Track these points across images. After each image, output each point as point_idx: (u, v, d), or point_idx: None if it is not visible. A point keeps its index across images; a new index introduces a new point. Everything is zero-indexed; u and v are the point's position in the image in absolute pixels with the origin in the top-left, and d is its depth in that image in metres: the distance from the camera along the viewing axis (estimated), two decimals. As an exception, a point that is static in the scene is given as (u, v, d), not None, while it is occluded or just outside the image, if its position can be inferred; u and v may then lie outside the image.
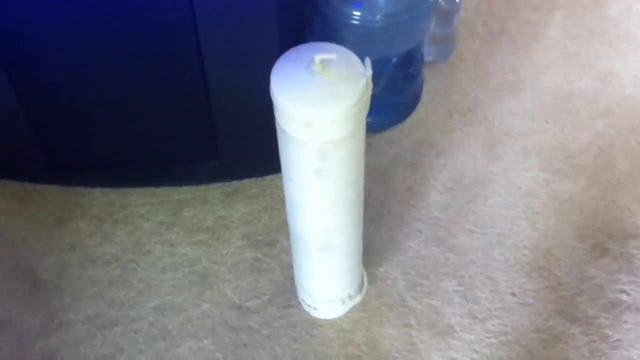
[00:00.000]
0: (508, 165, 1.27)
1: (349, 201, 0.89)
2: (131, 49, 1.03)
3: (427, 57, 1.39)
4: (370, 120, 1.30)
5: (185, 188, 1.25)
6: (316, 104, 0.75)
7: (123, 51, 1.03)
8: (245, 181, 1.25)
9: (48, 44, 1.02)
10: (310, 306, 1.08)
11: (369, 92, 0.78)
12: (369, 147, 1.25)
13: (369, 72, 0.77)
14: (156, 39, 1.02)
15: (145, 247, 1.19)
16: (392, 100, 1.31)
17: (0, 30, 1.00)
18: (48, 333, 1.09)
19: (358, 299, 1.09)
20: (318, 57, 0.76)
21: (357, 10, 1.14)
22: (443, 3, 1.31)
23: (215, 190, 1.25)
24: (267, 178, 1.24)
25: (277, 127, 0.81)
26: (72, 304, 1.13)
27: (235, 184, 1.25)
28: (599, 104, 1.36)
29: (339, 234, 0.93)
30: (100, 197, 1.25)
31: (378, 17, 1.14)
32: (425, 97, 1.37)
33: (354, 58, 0.79)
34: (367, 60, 0.78)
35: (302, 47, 0.80)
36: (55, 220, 1.22)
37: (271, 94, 0.78)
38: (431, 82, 1.40)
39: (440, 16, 1.33)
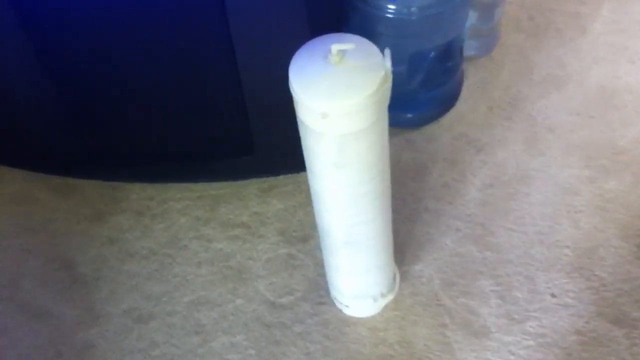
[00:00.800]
0: (550, 162, 1.23)
1: (372, 195, 0.87)
2: (167, 45, 1.04)
3: (469, 51, 1.37)
4: (409, 115, 1.31)
5: (222, 183, 1.25)
6: (332, 94, 0.74)
7: (159, 48, 1.04)
8: (281, 177, 1.24)
9: (86, 41, 1.03)
10: (342, 304, 1.07)
11: (388, 84, 0.76)
12: (406, 143, 1.25)
13: (388, 64, 0.75)
14: (190, 36, 1.02)
15: (181, 242, 1.19)
16: (431, 95, 1.29)
17: (44, 32, 1.02)
18: (86, 325, 1.11)
19: (390, 297, 1.08)
20: (335, 48, 0.74)
21: (392, 4, 1.13)
22: (484, -4, 1.28)
23: (251, 186, 1.25)
24: (303, 174, 1.22)
25: (298, 119, 0.80)
26: (110, 297, 1.14)
27: (271, 179, 1.25)
28: (647, 99, 1.32)
29: (364, 229, 0.91)
30: (139, 192, 1.27)
31: (413, 9, 1.13)
32: (465, 91, 1.35)
33: (374, 49, 0.77)
34: (387, 52, 0.76)
35: (321, 39, 0.79)
36: (95, 214, 1.24)
37: (289, 86, 0.77)
38: (472, 76, 1.37)
39: (481, 9, 1.30)
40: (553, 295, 1.08)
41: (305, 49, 0.79)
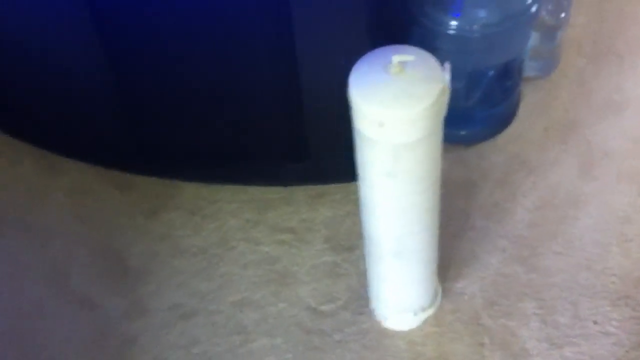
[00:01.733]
0: (604, 188, 1.22)
1: (422, 207, 0.88)
2: (225, 48, 1.06)
3: (528, 72, 1.36)
4: (463, 132, 1.31)
5: (272, 188, 1.27)
6: (389, 103, 0.75)
7: (218, 50, 1.06)
8: (332, 185, 1.26)
9: (150, 39, 1.07)
10: (382, 315, 1.08)
11: (446, 97, 0.77)
12: (459, 160, 1.25)
13: (448, 77, 0.76)
14: (252, 39, 1.04)
15: (230, 242, 1.22)
16: (487, 113, 1.29)
17: (109, 27, 1.05)
18: (131, 318, 1.14)
19: (430, 311, 1.08)
20: (396, 58, 0.76)
21: (454, 20, 1.13)
22: (547, 17, 1.27)
23: (301, 193, 1.26)
24: (353, 184, 1.23)
25: (353, 127, 0.81)
26: (157, 291, 1.17)
27: (321, 187, 1.26)
28: None
29: (411, 240, 0.92)
30: (193, 191, 1.29)
31: (475, 27, 1.13)
32: (522, 112, 1.34)
33: (433, 62, 0.78)
34: (447, 65, 0.77)
35: (382, 50, 0.80)
36: (149, 209, 1.27)
37: (348, 93, 0.78)
38: (530, 97, 1.36)
39: (543, 31, 1.30)
40: (595, 323, 1.06)
41: (366, 59, 0.81)
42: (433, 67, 0.79)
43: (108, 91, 1.15)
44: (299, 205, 1.25)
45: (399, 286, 1.02)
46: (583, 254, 1.14)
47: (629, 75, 1.39)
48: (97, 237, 1.24)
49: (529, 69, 1.36)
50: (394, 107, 0.76)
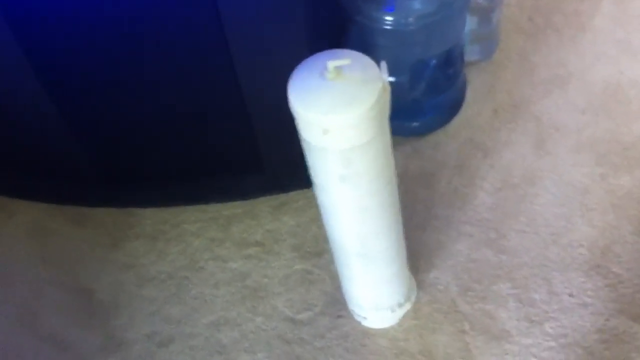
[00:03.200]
0: (559, 162, 1.24)
1: (381, 206, 0.88)
2: (168, 68, 1.04)
3: (470, 57, 1.37)
4: (414, 124, 1.31)
5: (234, 203, 1.26)
6: (331, 110, 0.75)
7: (161, 73, 1.05)
8: (292, 193, 1.25)
9: (94, 70, 1.04)
10: (360, 316, 1.07)
11: (387, 96, 0.77)
12: (414, 152, 1.25)
13: (385, 76, 0.76)
14: (191, 58, 1.03)
15: (197, 263, 1.20)
16: (435, 103, 1.30)
17: (51, 62, 1.03)
18: (108, 352, 1.12)
19: (408, 306, 1.08)
20: (331, 64, 0.75)
21: (389, 15, 1.13)
22: (480, 1, 1.29)
23: (263, 204, 1.25)
24: (313, 189, 1.24)
25: (300, 136, 0.81)
26: (130, 322, 1.15)
27: (282, 196, 1.25)
28: (652, 92, 1.32)
29: (376, 240, 0.92)
30: (152, 216, 1.27)
31: (411, 19, 1.13)
32: (469, 97, 1.35)
33: (370, 62, 0.78)
34: (383, 64, 0.77)
35: (317, 56, 0.79)
36: (110, 240, 1.25)
37: (289, 103, 0.78)
38: (475, 81, 1.38)
39: (479, 14, 1.31)
40: (571, 295, 1.08)
41: (303, 67, 0.80)
42: (370, 67, 0.78)
43: (54, 126, 1.12)
44: (262, 217, 1.24)
45: (372, 286, 1.01)
46: (548, 230, 1.16)
47: (569, 48, 1.41)
48: (63, 274, 1.21)
49: (470, 53, 1.38)
50: (335, 113, 0.75)
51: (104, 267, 1.22)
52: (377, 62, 0.78)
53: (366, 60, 0.79)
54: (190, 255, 1.21)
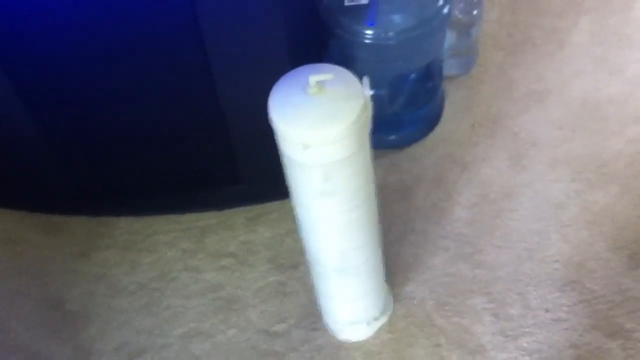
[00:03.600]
0: (535, 177, 1.24)
1: (360, 221, 0.87)
2: (145, 80, 1.03)
3: (449, 71, 1.38)
4: (392, 137, 1.31)
5: (208, 214, 1.25)
6: (312, 125, 0.74)
7: (138, 82, 1.04)
8: (267, 205, 1.24)
9: (68, 81, 1.03)
10: (335, 329, 1.06)
11: (369, 112, 0.77)
12: (391, 165, 1.25)
13: (367, 91, 0.76)
14: (169, 69, 1.02)
15: (170, 274, 1.18)
16: (413, 117, 1.30)
17: (24, 71, 1.01)
18: (76, 364, 1.10)
19: (383, 320, 1.07)
20: (313, 79, 0.74)
21: (369, 30, 1.13)
22: (460, 16, 1.29)
23: (237, 215, 1.24)
24: (289, 201, 1.23)
25: (280, 151, 0.80)
26: (100, 334, 1.13)
27: (257, 208, 1.24)
28: (629, 110, 1.32)
29: (355, 255, 0.91)
30: (125, 226, 1.26)
31: (391, 34, 1.13)
32: (447, 111, 1.35)
33: (352, 78, 0.78)
34: (365, 80, 0.76)
35: (299, 70, 0.79)
36: (81, 250, 1.23)
37: (269, 118, 0.77)
38: (454, 95, 1.38)
39: (458, 29, 1.31)
40: (546, 310, 1.07)
41: (284, 81, 0.79)
42: (352, 83, 0.78)
43: (27, 134, 1.11)
44: (237, 228, 1.23)
45: (348, 300, 1.00)
46: (523, 245, 1.15)
47: (547, 63, 1.42)
48: (33, 285, 1.19)
49: (449, 67, 1.38)
50: (316, 129, 0.74)
51: (75, 277, 1.20)
52: (358, 76, 0.78)
53: (348, 75, 0.78)
54: (162, 266, 1.19)
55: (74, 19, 0.95)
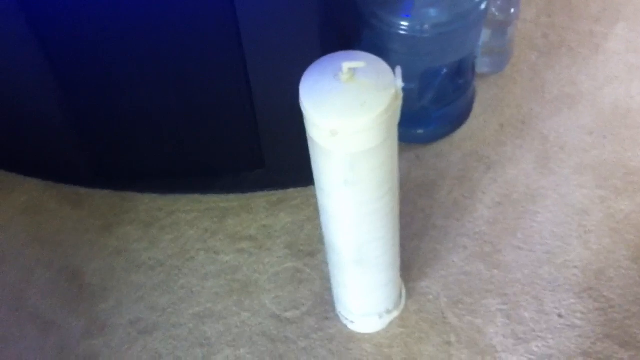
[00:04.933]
0: (561, 181, 1.23)
1: (382, 213, 0.87)
2: (178, 60, 1.04)
3: (481, 69, 1.36)
4: (419, 131, 1.30)
5: (231, 196, 1.26)
6: (341, 112, 0.74)
7: (169, 62, 1.04)
8: (290, 191, 1.24)
9: (101, 58, 1.04)
10: (347, 319, 1.06)
11: (399, 102, 0.76)
12: (416, 159, 1.24)
13: (399, 82, 0.75)
14: (202, 51, 1.02)
15: (189, 253, 1.19)
16: (442, 112, 1.29)
17: (58, 44, 1.02)
18: (91, 335, 1.11)
19: (396, 313, 1.07)
20: (346, 65, 0.74)
21: (405, 21, 1.13)
22: (497, 14, 1.28)
23: (260, 199, 1.25)
24: (312, 188, 1.22)
25: (307, 136, 0.80)
26: (116, 307, 1.14)
27: (280, 193, 1.25)
28: (661, 119, 1.30)
29: (373, 247, 0.91)
30: (148, 202, 1.27)
31: (426, 27, 1.12)
32: (477, 109, 1.34)
33: (384, 67, 0.77)
34: (398, 70, 0.76)
35: (332, 56, 0.79)
36: (104, 224, 1.25)
37: (300, 102, 0.77)
38: (484, 94, 1.37)
39: (493, 27, 1.30)
40: (560, 316, 1.06)
41: (316, 66, 0.79)
42: (384, 72, 0.77)
43: (58, 106, 1.12)
44: (258, 212, 1.23)
45: (363, 292, 1.00)
46: (544, 248, 1.14)
47: (582, 67, 1.40)
48: (53, 255, 1.21)
49: (482, 65, 1.37)
50: (346, 116, 0.74)
51: (96, 250, 1.21)
52: (391, 67, 0.77)
53: (381, 64, 0.78)
54: (182, 245, 1.20)
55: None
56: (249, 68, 1.03)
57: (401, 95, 0.76)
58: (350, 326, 1.07)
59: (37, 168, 1.29)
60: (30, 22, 0.99)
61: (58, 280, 1.18)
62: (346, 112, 0.74)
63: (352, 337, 1.07)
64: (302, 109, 0.76)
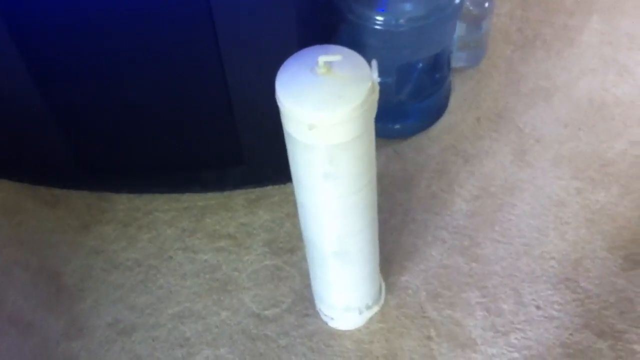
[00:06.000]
0: (538, 174, 1.23)
1: (360, 206, 0.87)
2: (155, 59, 1.03)
3: (457, 63, 1.37)
4: (397, 126, 1.31)
5: (209, 194, 1.25)
6: (319, 106, 0.74)
7: (147, 60, 1.04)
8: (269, 188, 1.24)
9: (76, 55, 1.03)
10: (327, 316, 1.06)
11: (375, 95, 0.76)
12: (394, 154, 1.24)
13: (375, 75, 0.75)
14: (178, 47, 1.02)
15: (167, 253, 1.19)
16: (419, 106, 1.29)
17: (32, 42, 1.01)
18: (70, 337, 1.10)
19: (376, 309, 1.07)
20: (322, 59, 0.74)
21: (380, 15, 1.13)
22: (472, 8, 1.28)
23: (238, 197, 1.24)
24: (290, 185, 1.22)
25: (284, 130, 0.80)
26: (94, 308, 1.13)
27: (258, 190, 1.24)
28: (635, 111, 1.32)
29: (353, 240, 0.91)
30: (126, 202, 1.26)
31: (402, 21, 1.13)
32: (453, 103, 1.35)
33: (360, 60, 0.77)
34: (374, 63, 0.76)
35: (308, 50, 0.78)
36: (81, 224, 1.24)
37: (276, 97, 0.76)
38: (460, 88, 1.37)
39: (468, 21, 1.31)
40: (538, 307, 1.07)
41: (293, 61, 0.79)
42: (360, 65, 0.77)
43: (32, 106, 1.11)
44: (237, 210, 1.23)
45: (343, 287, 1.00)
46: (521, 240, 1.15)
47: (556, 61, 1.41)
48: (31, 256, 1.20)
49: (458, 59, 1.37)
50: (323, 109, 0.74)
51: (73, 250, 1.20)
52: (367, 61, 0.78)
53: (357, 58, 0.78)
54: (160, 244, 1.20)
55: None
56: (225, 64, 1.03)
57: (377, 88, 0.76)
58: (331, 323, 1.07)
59: (12, 170, 1.28)
60: (3, 15, 0.98)
61: (36, 281, 1.17)
62: (324, 105, 0.74)
63: (333, 333, 1.07)
64: (279, 103, 0.76)
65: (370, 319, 1.07)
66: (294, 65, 0.78)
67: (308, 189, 0.85)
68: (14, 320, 1.12)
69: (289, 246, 1.17)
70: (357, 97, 0.74)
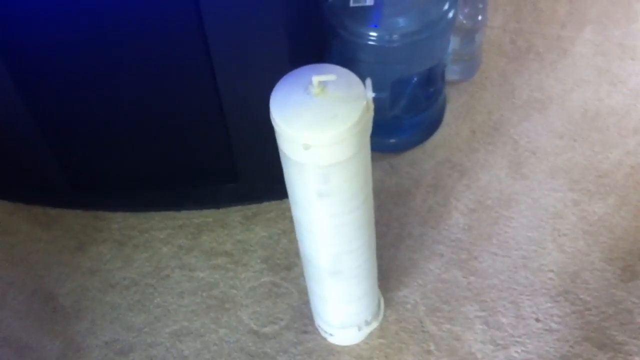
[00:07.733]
0: (534, 186, 1.23)
1: (357, 224, 0.86)
2: (149, 78, 1.03)
3: (451, 76, 1.37)
4: (392, 140, 1.31)
5: (205, 211, 1.24)
6: (314, 126, 0.74)
7: (141, 79, 1.03)
8: (265, 204, 1.24)
9: (69, 75, 1.03)
10: (326, 332, 1.06)
11: (370, 114, 0.76)
12: (390, 168, 1.24)
13: (370, 93, 0.75)
14: (172, 65, 1.02)
15: (164, 271, 1.18)
16: (414, 120, 1.29)
17: (21, 61, 1.01)
18: (67, 358, 1.09)
19: (375, 324, 1.07)
20: (316, 79, 0.74)
21: (373, 31, 1.13)
22: (465, 21, 1.29)
23: (235, 214, 1.24)
24: (287, 201, 1.21)
25: (280, 150, 0.79)
26: (91, 329, 1.12)
27: (255, 207, 1.24)
28: (630, 121, 1.32)
29: (349, 258, 0.91)
30: (121, 221, 1.25)
31: (395, 37, 1.13)
32: (448, 116, 1.35)
33: (355, 79, 0.77)
34: (368, 82, 0.76)
35: (302, 69, 0.78)
36: (76, 244, 1.23)
37: (270, 117, 0.76)
38: (455, 101, 1.37)
39: (462, 34, 1.31)
40: (538, 320, 1.07)
41: (286, 80, 0.78)
42: (354, 84, 0.77)
43: (25, 125, 1.10)
44: (233, 227, 1.22)
45: (341, 304, 1.00)
46: (519, 253, 1.15)
47: (550, 72, 1.41)
48: (26, 277, 1.19)
49: (452, 73, 1.37)
50: (318, 130, 0.74)
51: (69, 270, 1.19)
52: (361, 78, 0.77)
53: (351, 76, 0.78)
54: (157, 262, 1.19)
55: (71, 5, 0.94)
56: (219, 83, 1.03)
57: (372, 106, 0.76)
58: (330, 339, 1.07)
59: (5, 190, 1.27)
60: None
61: (32, 302, 1.16)
62: (318, 126, 0.74)
63: (332, 349, 1.07)
64: (274, 123, 0.76)
65: (370, 334, 1.07)
66: (288, 85, 0.77)
67: (303, 208, 0.85)
68: (10, 341, 1.12)
69: (286, 262, 1.17)
70: (352, 116, 0.74)
